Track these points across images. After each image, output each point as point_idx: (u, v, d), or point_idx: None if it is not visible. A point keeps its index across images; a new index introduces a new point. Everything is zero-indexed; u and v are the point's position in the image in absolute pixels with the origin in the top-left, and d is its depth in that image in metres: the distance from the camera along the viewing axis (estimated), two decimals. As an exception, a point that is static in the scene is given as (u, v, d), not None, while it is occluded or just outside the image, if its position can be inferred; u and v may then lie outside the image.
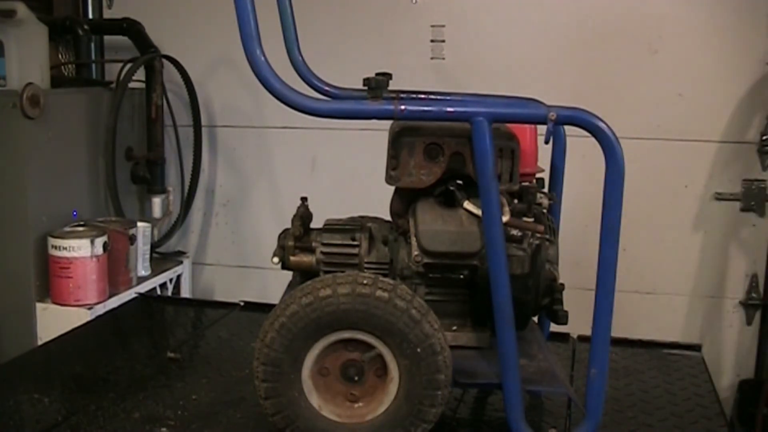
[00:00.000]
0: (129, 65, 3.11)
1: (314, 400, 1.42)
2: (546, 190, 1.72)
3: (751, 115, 2.97)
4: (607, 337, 1.40)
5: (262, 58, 1.30)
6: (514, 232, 1.46)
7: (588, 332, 1.43)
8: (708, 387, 1.85)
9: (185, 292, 3.38)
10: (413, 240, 1.50)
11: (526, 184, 1.57)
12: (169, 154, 3.39)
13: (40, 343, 2.64)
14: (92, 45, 3.33)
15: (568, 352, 2.02)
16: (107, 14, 3.49)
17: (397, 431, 1.39)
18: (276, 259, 1.64)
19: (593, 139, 1.35)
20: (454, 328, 1.55)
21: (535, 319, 1.73)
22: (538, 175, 1.68)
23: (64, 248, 2.69)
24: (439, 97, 1.72)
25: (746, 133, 2.99)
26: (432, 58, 3.19)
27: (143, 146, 3.29)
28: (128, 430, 1.55)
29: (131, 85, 3.13)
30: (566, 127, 1.64)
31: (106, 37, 3.53)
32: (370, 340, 1.39)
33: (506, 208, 1.45)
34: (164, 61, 3.25)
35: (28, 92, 2.67)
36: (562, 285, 1.56)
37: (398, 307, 1.35)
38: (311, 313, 1.36)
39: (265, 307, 2.10)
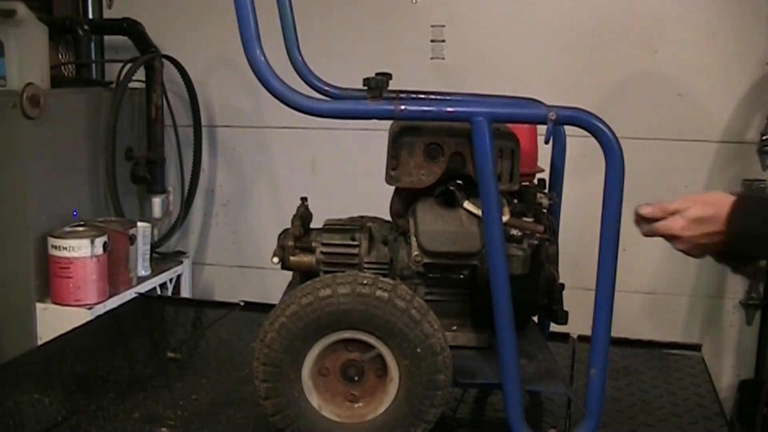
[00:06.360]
0: (129, 65, 3.11)
1: (314, 400, 1.42)
2: (546, 190, 1.72)
3: (751, 115, 2.97)
4: (607, 337, 1.40)
5: (262, 59, 1.30)
6: (514, 232, 1.46)
7: (588, 332, 1.43)
8: (708, 387, 1.85)
9: (185, 292, 3.38)
10: (413, 240, 1.49)
11: (526, 184, 1.57)
12: (169, 154, 3.39)
13: (40, 343, 2.63)
14: (92, 45, 3.33)
15: (568, 352, 2.02)
16: (107, 14, 3.49)
17: (397, 431, 1.39)
18: (276, 259, 1.63)
19: (593, 139, 1.35)
20: (454, 328, 1.55)
21: (535, 319, 1.73)
22: (538, 175, 1.68)
23: (64, 248, 2.69)
24: (439, 97, 1.72)
25: (746, 133, 2.98)
26: (432, 58, 3.19)
27: (143, 146, 3.29)
28: (128, 430, 1.55)
29: (131, 85, 3.12)
30: (566, 127, 1.64)
31: (106, 37, 3.52)
32: (370, 340, 1.39)
33: (506, 208, 1.45)
34: (164, 61, 3.25)
35: (28, 92, 2.67)
36: (562, 285, 1.56)
37: (398, 307, 1.35)
38: (311, 313, 1.36)
39: (265, 307, 2.10)
